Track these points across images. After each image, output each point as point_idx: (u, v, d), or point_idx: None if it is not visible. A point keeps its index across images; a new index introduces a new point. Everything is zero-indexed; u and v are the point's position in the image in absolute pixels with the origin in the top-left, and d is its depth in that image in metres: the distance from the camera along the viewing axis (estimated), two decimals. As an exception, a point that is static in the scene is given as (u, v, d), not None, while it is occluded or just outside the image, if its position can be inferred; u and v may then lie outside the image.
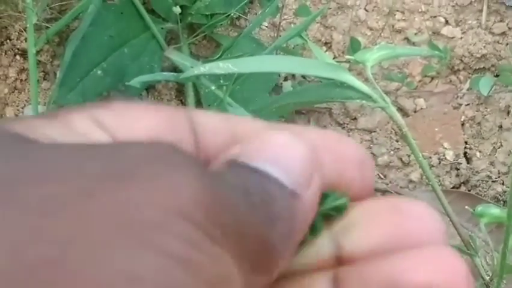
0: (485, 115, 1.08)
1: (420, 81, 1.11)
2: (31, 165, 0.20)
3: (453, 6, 1.13)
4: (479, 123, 1.08)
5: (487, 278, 0.77)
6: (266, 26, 1.12)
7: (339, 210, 0.28)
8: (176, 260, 0.19)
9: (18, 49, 1.08)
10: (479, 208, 0.77)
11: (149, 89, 1.09)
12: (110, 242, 0.19)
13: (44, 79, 1.08)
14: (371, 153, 1.06)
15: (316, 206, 0.26)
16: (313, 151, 0.26)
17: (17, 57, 1.08)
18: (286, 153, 0.25)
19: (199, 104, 1.05)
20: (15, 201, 0.19)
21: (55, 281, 0.18)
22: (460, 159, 1.06)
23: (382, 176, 1.06)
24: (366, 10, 1.13)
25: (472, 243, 0.78)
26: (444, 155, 1.06)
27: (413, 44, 1.12)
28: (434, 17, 1.13)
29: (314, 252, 0.27)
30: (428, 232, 0.26)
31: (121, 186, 0.20)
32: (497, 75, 1.09)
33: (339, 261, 0.27)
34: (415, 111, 1.09)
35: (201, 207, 0.21)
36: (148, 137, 0.25)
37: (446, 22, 1.13)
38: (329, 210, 0.27)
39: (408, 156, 1.05)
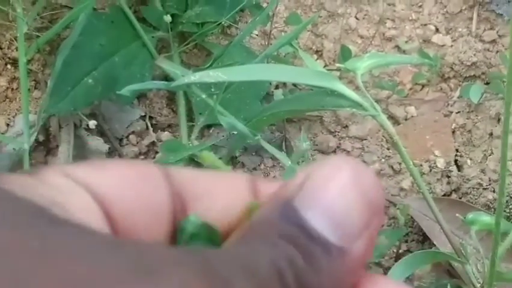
0: (475, 123, 1.09)
1: (411, 89, 1.11)
2: (61, 243, 0.21)
3: (443, 14, 1.13)
4: (469, 131, 1.09)
5: (478, 285, 0.77)
6: (257, 35, 1.12)
7: None
8: None
9: (9, 58, 1.08)
10: (470, 215, 0.77)
11: (141, 97, 1.09)
12: None
13: (35, 88, 1.08)
14: (362, 161, 1.06)
15: (367, 256, 0.25)
16: (376, 190, 0.25)
17: (8, 66, 1.08)
18: (342, 200, 0.24)
19: (190, 112, 1.05)
20: (51, 273, 0.20)
21: None
22: (450, 167, 1.06)
23: (373, 184, 1.05)
24: (357, 18, 1.13)
25: (462, 251, 0.78)
26: (435, 163, 1.07)
27: (404, 52, 1.12)
28: (425, 25, 1.13)
29: None
30: None
31: (146, 283, 0.21)
32: (487, 83, 1.09)
33: None
34: (406, 119, 1.10)
35: None
36: (122, 187, 0.26)
37: (437, 30, 1.13)
38: None
39: (399, 164, 1.06)
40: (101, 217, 0.25)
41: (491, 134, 1.08)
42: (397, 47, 1.13)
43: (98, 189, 0.26)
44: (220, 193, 0.28)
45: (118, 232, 0.26)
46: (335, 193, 0.25)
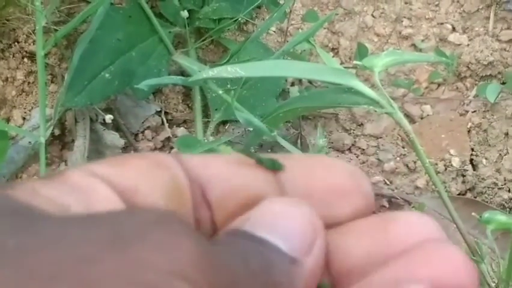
0: (491, 122, 1.08)
1: (426, 87, 1.11)
2: (37, 236, 0.22)
3: (460, 13, 1.13)
4: (485, 130, 1.08)
5: (493, 285, 0.77)
6: (273, 31, 1.12)
7: None
8: None
9: (26, 52, 1.08)
10: (486, 215, 0.77)
11: (156, 93, 1.09)
12: None
13: (52, 82, 1.08)
14: (377, 159, 1.06)
15: (320, 272, 0.28)
16: (315, 217, 0.28)
17: (25, 59, 1.08)
18: (284, 221, 0.27)
19: (206, 108, 1.05)
20: (23, 268, 0.20)
21: None
22: (466, 166, 1.06)
23: (388, 182, 1.06)
24: (374, 16, 1.13)
25: (478, 250, 0.78)
26: (450, 162, 1.06)
27: (420, 50, 1.12)
28: (441, 23, 1.13)
29: None
30: (419, 232, 0.28)
31: (124, 251, 0.21)
32: (503, 83, 1.09)
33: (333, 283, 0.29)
34: (422, 118, 1.09)
35: (198, 268, 0.22)
36: (141, 180, 0.27)
37: (453, 29, 1.13)
38: None
39: (414, 162, 1.06)
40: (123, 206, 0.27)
41: (506, 134, 1.08)
42: (413, 45, 1.12)
43: (119, 182, 0.27)
44: (233, 176, 0.30)
45: None
46: (275, 215, 0.27)
